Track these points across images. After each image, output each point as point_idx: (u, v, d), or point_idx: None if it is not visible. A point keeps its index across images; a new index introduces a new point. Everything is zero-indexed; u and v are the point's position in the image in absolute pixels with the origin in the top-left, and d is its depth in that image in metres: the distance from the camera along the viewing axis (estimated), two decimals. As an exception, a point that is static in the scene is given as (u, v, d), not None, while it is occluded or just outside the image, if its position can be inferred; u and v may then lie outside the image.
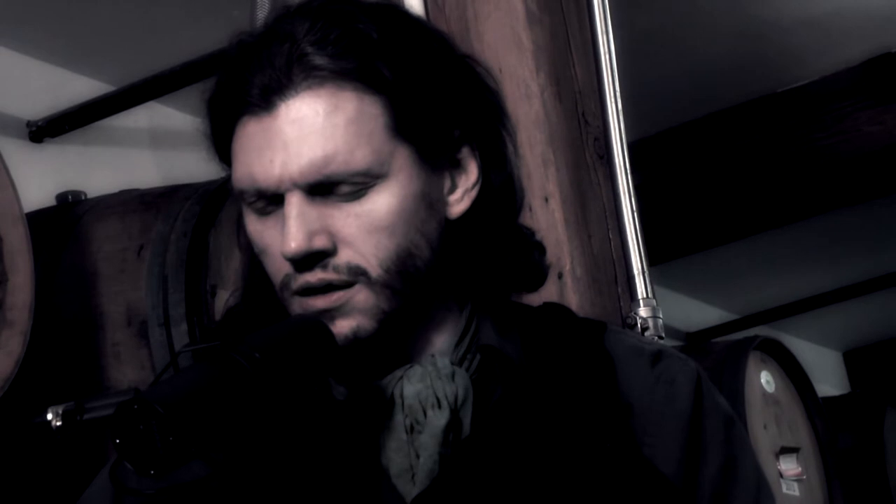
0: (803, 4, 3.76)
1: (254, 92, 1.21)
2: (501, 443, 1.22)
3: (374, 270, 1.21)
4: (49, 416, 2.09)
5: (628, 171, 2.03)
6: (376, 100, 1.21)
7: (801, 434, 3.37)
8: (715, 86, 4.11)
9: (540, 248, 1.35)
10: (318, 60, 1.20)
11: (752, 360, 3.25)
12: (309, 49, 1.20)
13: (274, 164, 1.20)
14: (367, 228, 1.20)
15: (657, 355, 1.31)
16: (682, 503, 1.26)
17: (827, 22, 3.86)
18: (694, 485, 1.27)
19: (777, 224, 4.80)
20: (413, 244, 1.23)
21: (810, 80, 4.20)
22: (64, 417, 2.08)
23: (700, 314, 6.10)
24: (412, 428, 1.22)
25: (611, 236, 2.00)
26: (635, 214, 2.01)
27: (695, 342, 5.84)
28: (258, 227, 1.25)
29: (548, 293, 1.75)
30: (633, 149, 2.06)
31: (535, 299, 1.38)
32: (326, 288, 1.21)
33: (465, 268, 1.29)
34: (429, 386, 1.23)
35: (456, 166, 1.28)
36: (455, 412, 1.22)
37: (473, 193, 1.28)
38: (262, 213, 1.24)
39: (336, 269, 1.20)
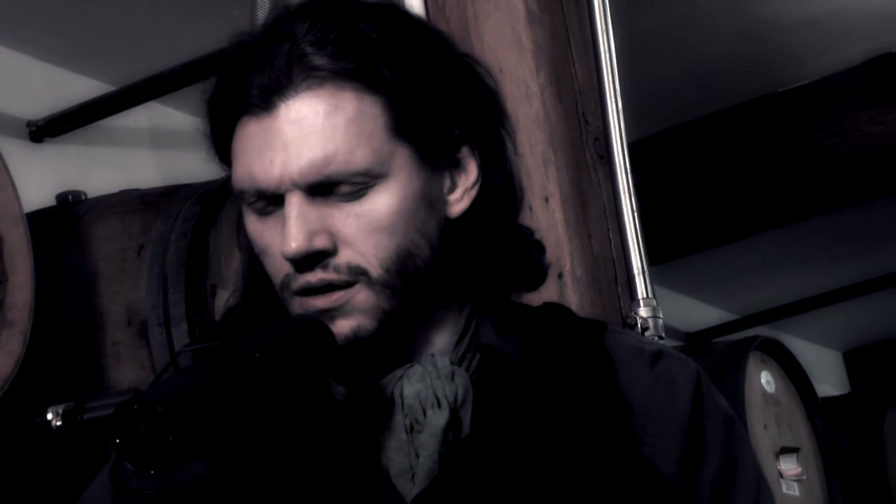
0: (803, 4, 3.76)
1: (253, 92, 1.21)
2: (501, 442, 1.22)
3: (375, 270, 1.21)
4: (49, 416, 2.09)
5: (628, 171, 2.03)
6: (376, 100, 1.21)
7: (801, 434, 3.37)
8: (715, 86, 4.11)
9: (539, 247, 1.35)
10: (318, 60, 1.20)
11: (752, 360, 3.25)
12: (308, 49, 1.20)
13: (274, 165, 1.20)
14: (367, 228, 1.20)
15: (657, 355, 1.31)
16: (682, 503, 1.26)
17: (827, 22, 3.86)
18: (694, 485, 1.27)
19: (777, 224, 4.79)
20: (413, 244, 1.23)
21: (810, 80, 4.20)
22: (64, 417, 2.08)
23: (700, 314, 6.10)
24: (412, 428, 1.22)
25: (611, 236, 2.00)
26: (635, 214, 2.01)
27: (695, 342, 5.84)
28: (258, 228, 1.25)
29: (548, 293, 1.75)
30: (633, 149, 2.06)
31: (535, 299, 1.38)
32: (327, 288, 1.21)
33: (465, 267, 1.29)
34: (428, 385, 1.23)
35: (456, 166, 1.28)
36: (455, 412, 1.22)
37: (473, 193, 1.28)
38: (262, 213, 1.24)
39: (336, 269, 1.20)
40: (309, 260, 1.20)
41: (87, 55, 3.26)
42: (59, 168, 3.06)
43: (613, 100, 2.05)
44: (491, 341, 1.28)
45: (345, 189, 1.20)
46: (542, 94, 1.96)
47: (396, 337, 1.25)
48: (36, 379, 2.12)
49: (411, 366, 1.25)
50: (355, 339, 1.21)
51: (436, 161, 1.25)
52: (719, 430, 1.30)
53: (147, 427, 1.04)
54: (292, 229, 1.19)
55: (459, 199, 1.28)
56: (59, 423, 2.08)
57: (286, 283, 1.23)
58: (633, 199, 2.02)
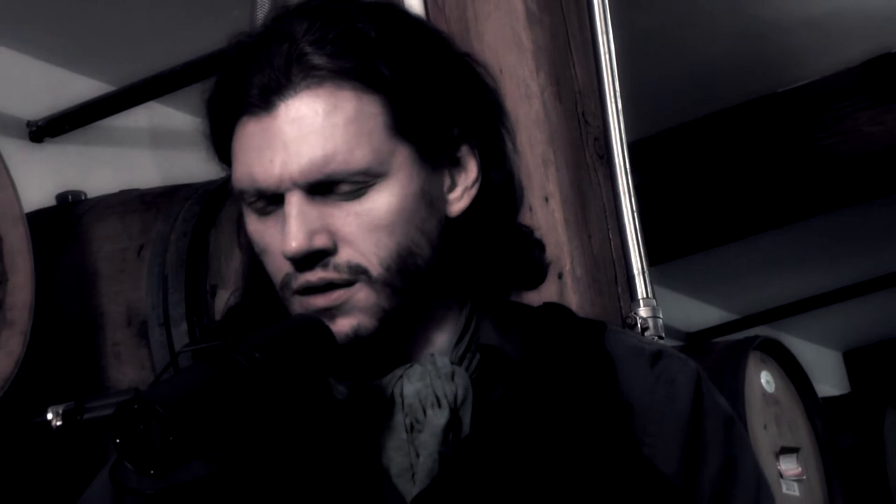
0: (803, 4, 3.76)
1: (253, 92, 1.21)
2: (501, 442, 1.22)
3: (375, 269, 1.21)
4: (49, 416, 2.09)
5: (628, 171, 2.03)
6: (375, 99, 1.21)
7: (801, 434, 3.37)
8: (715, 86, 4.11)
9: (539, 246, 1.35)
10: (317, 60, 1.20)
11: (752, 360, 3.25)
12: (308, 49, 1.20)
13: (274, 164, 1.20)
14: (367, 227, 1.20)
15: (657, 355, 1.31)
16: (682, 503, 1.26)
17: (827, 22, 3.86)
18: (694, 485, 1.27)
19: (777, 224, 4.80)
20: (413, 243, 1.23)
21: (810, 80, 4.20)
22: (64, 417, 2.08)
23: (700, 314, 6.10)
24: (412, 427, 1.22)
25: (611, 236, 2.00)
26: (635, 214, 2.01)
27: (695, 342, 5.84)
28: (258, 227, 1.25)
29: (548, 293, 1.75)
30: (633, 149, 2.06)
31: (535, 299, 1.38)
32: (327, 287, 1.21)
33: (465, 266, 1.29)
34: (428, 385, 1.23)
35: (455, 164, 1.28)
36: (455, 411, 1.22)
37: (473, 191, 1.28)
38: (263, 212, 1.24)
39: (336, 268, 1.20)
40: (309, 259, 1.20)
41: (87, 55, 3.27)
42: (59, 168, 3.06)
43: (613, 100, 2.05)
44: (491, 341, 1.28)
45: (345, 188, 1.20)
46: (542, 94, 1.96)
47: (396, 336, 1.25)
48: (36, 379, 2.12)
49: (411, 365, 1.25)
50: (355, 338, 1.21)
51: (435, 160, 1.25)
52: (719, 430, 1.30)
53: (147, 427, 1.04)
54: (292, 228, 1.19)
55: (459, 198, 1.28)
56: (59, 423, 2.08)
57: (286, 282, 1.23)
58: (632, 199, 2.02)
